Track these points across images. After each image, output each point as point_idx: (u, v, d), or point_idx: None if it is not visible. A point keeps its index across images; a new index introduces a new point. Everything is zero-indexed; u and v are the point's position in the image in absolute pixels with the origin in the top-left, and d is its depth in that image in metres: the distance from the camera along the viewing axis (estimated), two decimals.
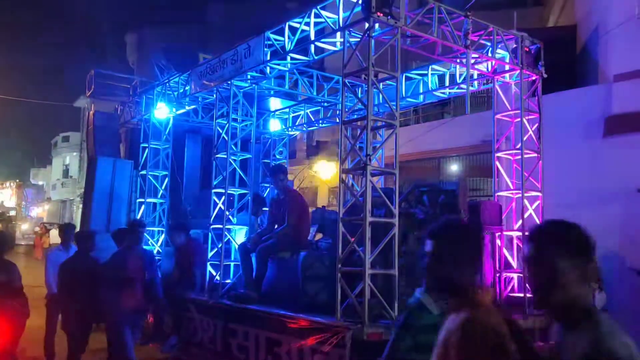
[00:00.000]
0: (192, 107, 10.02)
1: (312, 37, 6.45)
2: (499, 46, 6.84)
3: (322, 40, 6.52)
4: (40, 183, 47.21)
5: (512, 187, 7.27)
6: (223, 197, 7.64)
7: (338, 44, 6.57)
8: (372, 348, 5.21)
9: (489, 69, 7.32)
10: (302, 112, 11.07)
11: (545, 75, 7.24)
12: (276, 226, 7.60)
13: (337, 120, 10.76)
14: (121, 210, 10.67)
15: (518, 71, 7.13)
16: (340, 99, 5.84)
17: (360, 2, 5.57)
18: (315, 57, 6.88)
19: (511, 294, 6.96)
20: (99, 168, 10.41)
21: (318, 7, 6.28)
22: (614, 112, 9.08)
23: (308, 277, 6.35)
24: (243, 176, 7.91)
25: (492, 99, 7.30)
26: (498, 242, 7.00)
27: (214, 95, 8.87)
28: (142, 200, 10.19)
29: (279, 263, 7.17)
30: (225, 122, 7.83)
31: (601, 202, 8.68)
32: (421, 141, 12.23)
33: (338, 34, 6.42)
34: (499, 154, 7.21)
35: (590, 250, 1.93)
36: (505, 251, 7.06)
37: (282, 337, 6.06)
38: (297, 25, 6.68)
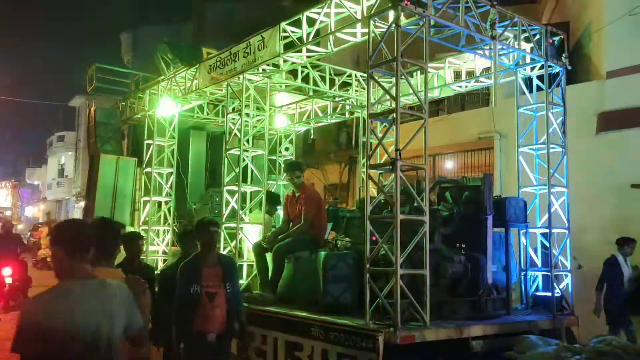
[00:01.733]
0: (199, 102, 9.74)
1: (333, 28, 6.18)
2: (523, 37, 6.62)
3: (343, 31, 6.25)
4: (36, 183, 46.65)
5: (533, 183, 7.04)
6: (236, 195, 7.37)
7: (359, 34, 6.31)
8: (404, 352, 4.98)
9: (511, 61, 7.08)
10: (309, 108, 10.82)
11: (569, 67, 7.02)
12: (291, 224, 7.35)
13: (347, 115, 10.58)
14: (125, 209, 10.39)
15: (540, 64, 6.92)
16: (366, 93, 5.56)
17: None
18: (334, 49, 6.61)
19: (537, 293, 6.74)
20: (102, 166, 10.11)
21: None
22: (607, 108, 9.03)
23: (330, 277, 6.09)
24: (256, 173, 7.63)
25: (515, 92, 7.05)
26: (523, 240, 6.78)
27: (223, 90, 8.61)
28: (148, 198, 9.90)
29: (296, 263, 6.90)
30: (238, 117, 7.56)
31: (595, 197, 8.62)
32: (416, 138, 12.07)
33: (359, 24, 6.17)
34: (522, 149, 6.99)
35: (62, 242, 2.70)
36: (530, 249, 6.84)
37: (303, 341, 5.81)
38: (315, 16, 6.42)
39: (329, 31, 6.41)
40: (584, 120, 9.01)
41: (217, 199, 10.00)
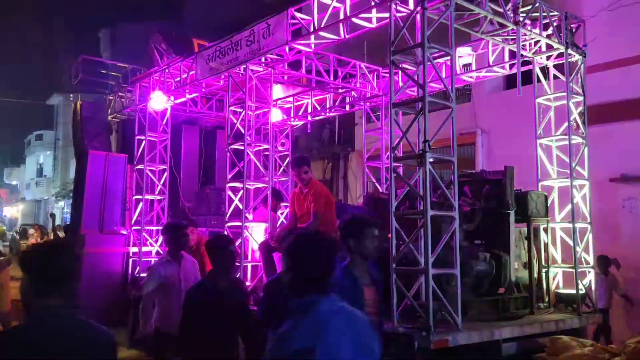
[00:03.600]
0: (194, 95, 9.28)
1: (348, 13, 5.81)
2: (543, 23, 6.33)
3: (360, 16, 5.88)
4: (14, 183, 45.46)
5: (553, 176, 6.76)
6: (241, 192, 6.95)
7: (374, 20, 5.95)
8: (436, 356, 4.63)
9: (528, 49, 6.78)
10: (305, 101, 10.42)
11: (589, 55, 6.76)
12: (299, 222, 6.97)
13: (347, 108, 10.21)
14: (115, 209, 9.87)
15: (558, 52, 6.63)
16: (389, 81, 5.18)
17: None
18: (347, 36, 6.24)
19: (558, 291, 6.46)
20: (91, 163, 9.58)
21: None
22: (587, 103, 8.95)
23: None
24: (261, 169, 7.22)
25: (533, 81, 6.75)
26: (543, 235, 6.48)
27: (221, 82, 8.20)
28: (140, 197, 9.41)
29: None
30: (240, 110, 7.16)
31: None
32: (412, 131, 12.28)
33: (374, 10, 5.81)
34: (541, 141, 6.70)
35: None
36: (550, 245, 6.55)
37: None
38: (327, 1, 6.04)
39: (343, 16, 6.03)
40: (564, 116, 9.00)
41: (217, 197, 9.60)
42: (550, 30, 6.44)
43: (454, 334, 4.69)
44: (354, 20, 6.03)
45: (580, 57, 6.72)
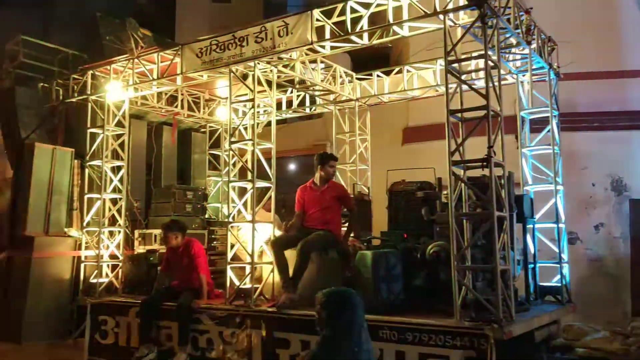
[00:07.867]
0: (167, 88, 8.78)
1: (391, 20, 6.00)
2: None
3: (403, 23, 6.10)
4: None
5: (529, 182, 7.52)
6: (251, 191, 6.78)
7: (406, 29, 6.22)
8: (506, 348, 5.00)
9: (514, 67, 7.48)
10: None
11: (562, 76, 7.65)
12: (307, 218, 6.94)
13: (308, 111, 10.32)
14: (61, 208, 8.97)
15: (539, 70, 7.40)
16: (445, 89, 5.49)
17: None
18: (374, 41, 6.44)
19: (541, 284, 7.22)
20: (38, 158, 8.61)
21: None
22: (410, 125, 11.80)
23: (385, 277, 5.92)
24: (267, 168, 7.07)
25: (517, 97, 7.41)
26: (529, 234, 7.19)
27: (205, 76, 7.90)
28: (97, 195, 8.61)
29: (321, 260, 6.55)
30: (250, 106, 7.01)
31: None
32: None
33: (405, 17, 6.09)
34: (524, 150, 7.42)
35: None
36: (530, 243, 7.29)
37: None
38: (360, 8, 6.19)
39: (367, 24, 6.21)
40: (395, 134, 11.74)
41: (183, 196, 9.18)
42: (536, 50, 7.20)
43: (513, 325, 5.12)
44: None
45: (555, 77, 7.56)
